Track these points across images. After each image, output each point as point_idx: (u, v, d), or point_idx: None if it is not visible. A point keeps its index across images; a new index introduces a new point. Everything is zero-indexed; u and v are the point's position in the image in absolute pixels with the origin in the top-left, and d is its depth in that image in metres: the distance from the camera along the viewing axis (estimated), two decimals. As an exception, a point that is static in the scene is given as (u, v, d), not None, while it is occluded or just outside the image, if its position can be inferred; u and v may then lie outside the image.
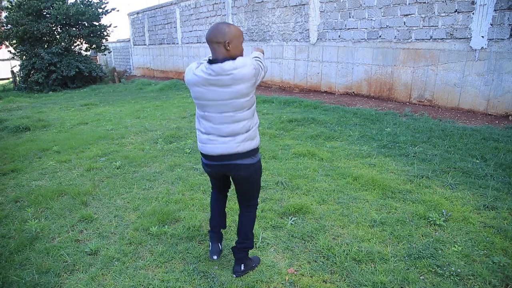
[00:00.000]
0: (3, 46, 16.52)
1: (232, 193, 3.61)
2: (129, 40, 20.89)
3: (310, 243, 2.73)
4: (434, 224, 2.90)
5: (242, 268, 2.38)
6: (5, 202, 3.65)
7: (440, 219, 2.94)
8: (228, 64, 1.98)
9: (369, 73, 8.52)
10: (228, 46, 2.00)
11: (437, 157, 4.42)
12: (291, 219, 3.05)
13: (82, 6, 15.60)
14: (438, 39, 6.97)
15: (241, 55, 2.08)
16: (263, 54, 2.29)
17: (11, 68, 17.84)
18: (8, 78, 22.20)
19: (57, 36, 15.92)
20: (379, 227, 2.91)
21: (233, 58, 2.01)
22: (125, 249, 2.72)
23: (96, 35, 16.60)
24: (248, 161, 2.18)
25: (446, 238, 2.73)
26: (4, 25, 15.53)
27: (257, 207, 2.45)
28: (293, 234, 2.85)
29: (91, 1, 16.27)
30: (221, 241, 2.55)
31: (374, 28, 8.11)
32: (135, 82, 15.91)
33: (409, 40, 7.47)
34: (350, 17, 8.59)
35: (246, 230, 2.37)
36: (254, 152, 2.20)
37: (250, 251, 2.57)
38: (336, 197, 3.47)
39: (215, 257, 2.46)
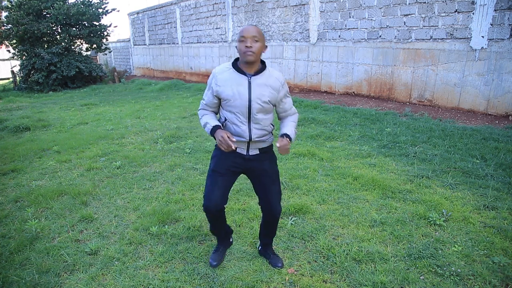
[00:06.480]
0: (3, 46, 16.49)
1: (231, 193, 3.61)
2: (129, 40, 20.90)
3: (310, 243, 2.73)
4: (434, 224, 2.90)
5: None
6: (5, 202, 3.65)
7: (440, 219, 2.94)
8: None
9: (369, 73, 8.52)
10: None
11: (437, 157, 4.42)
12: (291, 219, 3.05)
13: (82, 6, 15.61)
14: (438, 39, 6.97)
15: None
16: None
17: (11, 68, 17.82)
18: (8, 78, 22.17)
19: (57, 36, 15.91)
20: (379, 227, 2.91)
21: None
22: (125, 249, 2.72)
23: (96, 35, 16.61)
24: None
25: (446, 238, 2.73)
26: (4, 25, 15.52)
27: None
28: (293, 234, 2.85)
29: (91, 1, 16.28)
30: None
31: (374, 28, 8.11)
32: (135, 82, 15.91)
33: (409, 40, 7.47)
34: (350, 17, 8.59)
35: None
36: None
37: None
38: (336, 197, 3.47)
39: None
